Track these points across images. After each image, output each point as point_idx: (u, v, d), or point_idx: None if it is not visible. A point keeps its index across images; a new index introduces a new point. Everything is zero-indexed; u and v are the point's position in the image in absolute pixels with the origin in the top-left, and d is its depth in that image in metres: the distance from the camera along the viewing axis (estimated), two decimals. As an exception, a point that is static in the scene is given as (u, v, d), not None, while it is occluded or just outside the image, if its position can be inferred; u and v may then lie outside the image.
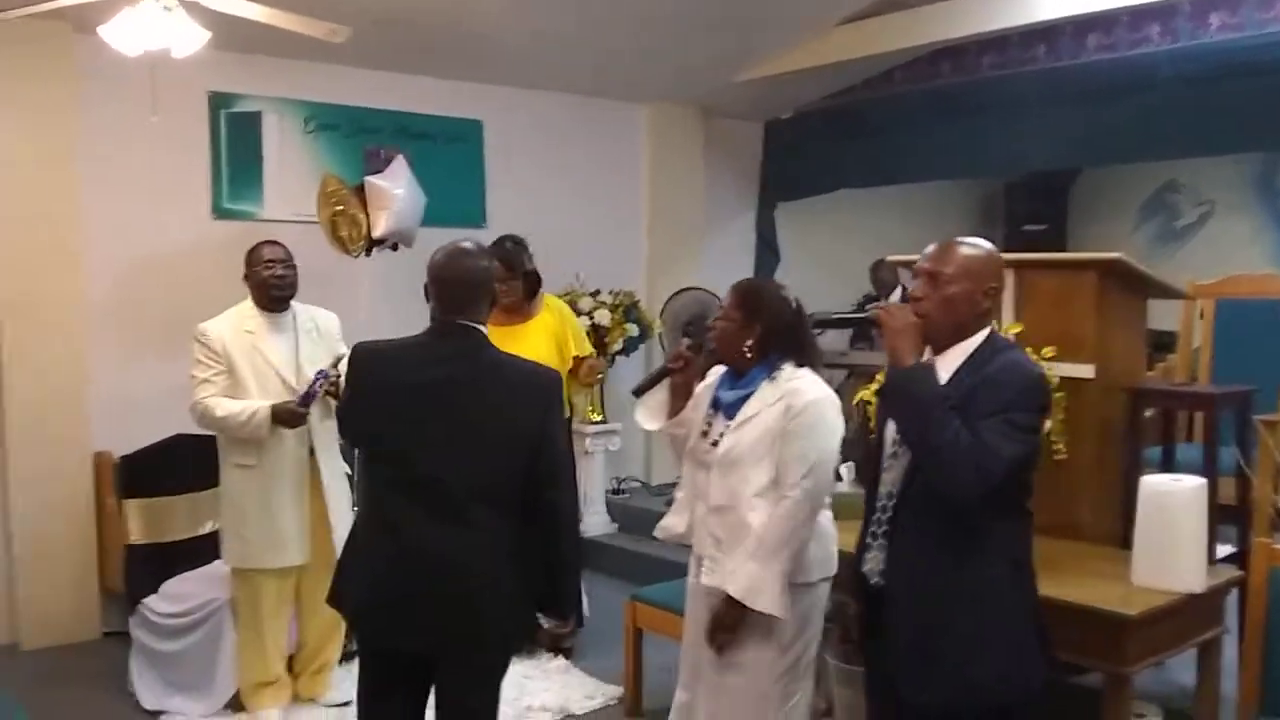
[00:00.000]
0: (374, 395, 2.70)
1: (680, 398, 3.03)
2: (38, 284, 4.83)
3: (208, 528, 4.65)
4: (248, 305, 3.96)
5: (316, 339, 3.99)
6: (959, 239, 2.47)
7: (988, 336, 2.42)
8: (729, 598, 2.78)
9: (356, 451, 3.02)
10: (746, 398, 2.86)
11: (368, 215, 5.21)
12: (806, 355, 2.90)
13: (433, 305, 2.73)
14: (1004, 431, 2.26)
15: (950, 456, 2.26)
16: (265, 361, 3.86)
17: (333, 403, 3.87)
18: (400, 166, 5.42)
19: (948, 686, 2.36)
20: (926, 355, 2.42)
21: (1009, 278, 3.63)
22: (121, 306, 5.10)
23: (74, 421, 4.92)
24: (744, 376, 2.90)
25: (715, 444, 2.89)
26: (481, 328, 2.72)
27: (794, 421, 2.78)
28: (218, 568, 4.22)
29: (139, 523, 4.77)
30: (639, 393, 3.11)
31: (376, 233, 5.22)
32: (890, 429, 2.51)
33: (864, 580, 2.56)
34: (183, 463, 4.69)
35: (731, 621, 2.81)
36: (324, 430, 3.93)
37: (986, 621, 2.35)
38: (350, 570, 2.77)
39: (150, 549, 4.71)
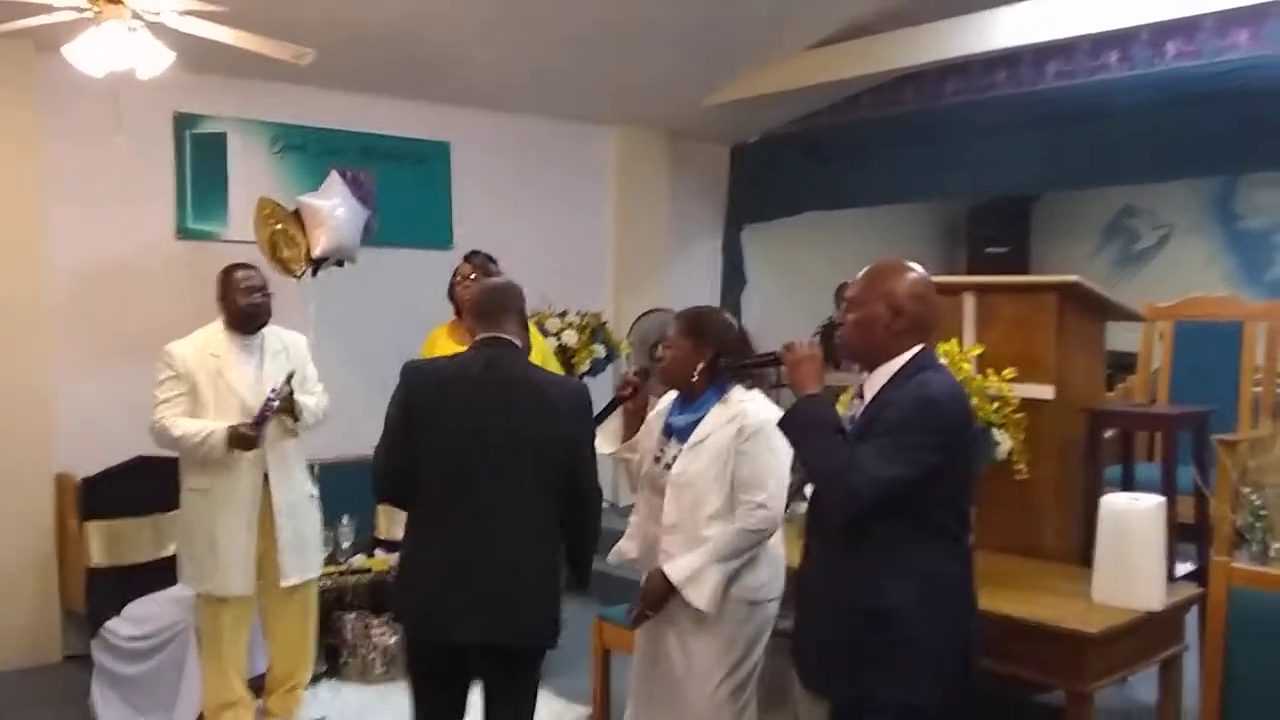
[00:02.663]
0: (434, 398, 2.89)
1: (632, 423, 3.12)
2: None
3: (171, 550, 4.59)
4: (217, 326, 3.94)
5: (285, 362, 3.97)
6: (884, 263, 2.52)
7: (913, 356, 2.44)
8: (663, 575, 2.85)
9: (385, 470, 2.96)
10: (698, 421, 2.93)
11: (305, 235, 5.18)
12: (752, 377, 2.97)
13: (473, 326, 3.01)
14: (884, 452, 2.30)
15: (826, 479, 2.37)
16: (227, 385, 3.84)
17: (289, 422, 3.86)
18: (334, 182, 5.39)
19: (837, 692, 2.46)
20: (864, 376, 2.50)
21: (969, 300, 3.68)
22: (84, 326, 5.05)
23: (35, 442, 4.87)
24: (695, 401, 2.97)
25: (669, 467, 2.96)
26: (515, 340, 2.98)
27: (747, 442, 2.85)
28: (181, 590, 4.18)
29: (101, 545, 4.70)
30: (598, 420, 3.13)
31: (316, 251, 5.19)
32: None
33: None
34: (145, 484, 4.64)
35: (656, 599, 2.88)
36: (281, 454, 3.90)
37: (873, 635, 2.37)
38: (409, 573, 2.94)
39: (112, 571, 4.66)
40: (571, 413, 2.92)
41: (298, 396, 3.88)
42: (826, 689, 2.50)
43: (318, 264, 5.25)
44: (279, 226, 5.12)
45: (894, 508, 2.31)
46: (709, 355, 2.93)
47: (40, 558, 4.87)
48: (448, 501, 2.85)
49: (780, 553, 3.02)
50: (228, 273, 3.96)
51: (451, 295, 4.53)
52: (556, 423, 2.88)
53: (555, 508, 2.89)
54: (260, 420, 3.74)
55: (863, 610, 2.38)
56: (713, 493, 2.87)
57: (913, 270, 2.49)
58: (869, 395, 2.44)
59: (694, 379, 2.95)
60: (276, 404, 3.76)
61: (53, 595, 4.89)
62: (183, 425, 3.77)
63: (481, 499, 2.82)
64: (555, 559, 2.95)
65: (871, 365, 2.48)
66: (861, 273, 2.53)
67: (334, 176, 5.43)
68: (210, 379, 3.83)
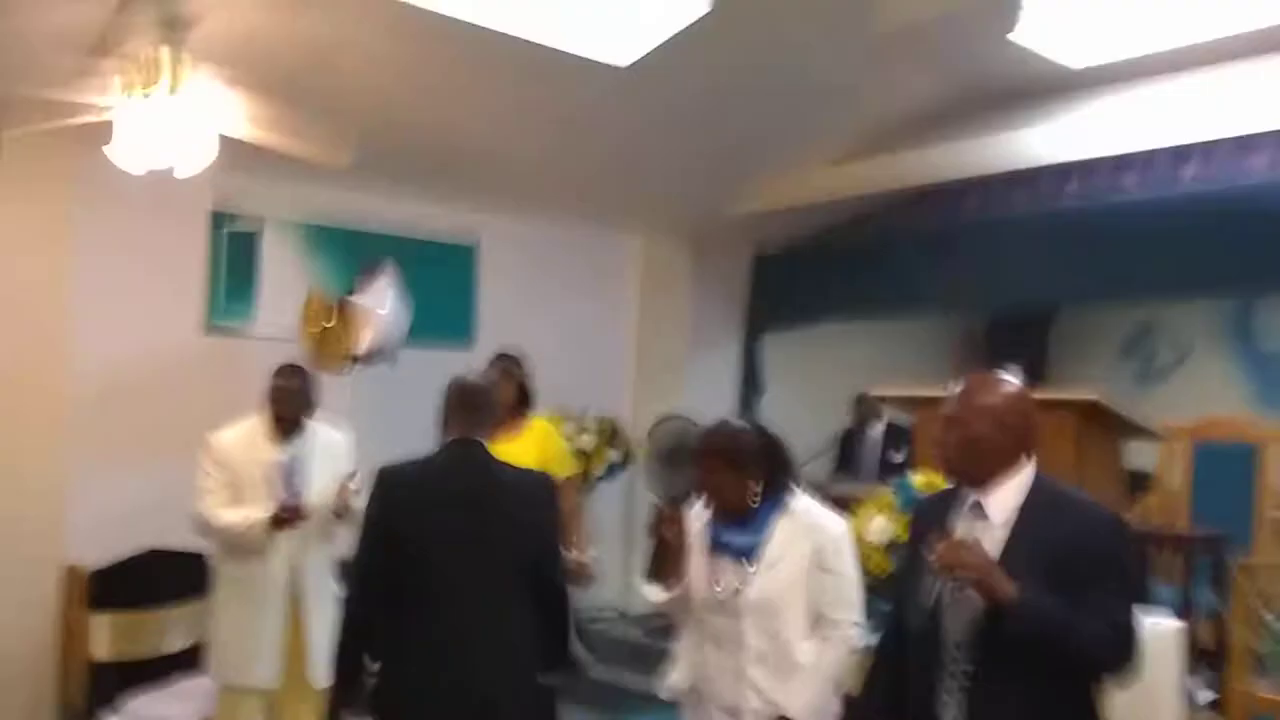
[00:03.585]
0: (410, 511, 2.98)
1: (678, 559, 2.88)
2: (19, 391, 4.82)
3: (176, 645, 4.57)
4: (257, 421, 3.97)
5: (326, 459, 3.98)
6: (981, 377, 2.46)
7: (1036, 476, 2.38)
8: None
9: (367, 569, 3.03)
10: (761, 539, 2.80)
11: (351, 333, 5.25)
12: (795, 478, 2.90)
13: (445, 424, 3.10)
14: (1121, 593, 2.25)
15: (1102, 652, 2.25)
16: (266, 477, 3.84)
17: (333, 522, 3.85)
18: (384, 284, 5.48)
19: None
20: (970, 497, 2.38)
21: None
22: (104, 416, 5.07)
23: (45, 533, 4.86)
24: (751, 518, 2.82)
25: (738, 591, 2.78)
26: (486, 441, 3.11)
27: (830, 558, 2.77)
28: (181, 687, 4.15)
29: (106, 637, 4.66)
30: (651, 576, 2.95)
31: (360, 350, 5.26)
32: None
33: None
34: (156, 577, 4.63)
35: None
36: (314, 551, 3.90)
37: None
38: (388, 690, 2.94)
39: (115, 666, 4.61)
40: (537, 502, 3.10)
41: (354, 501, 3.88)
42: None
43: (359, 362, 5.30)
44: (330, 324, 5.18)
45: None
46: (758, 475, 2.82)
47: (40, 649, 4.82)
48: (427, 600, 2.92)
49: None
50: (274, 373, 4.00)
51: None
52: (526, 514, 3.04)
53: (527, 601, 2.99)
54: (291, 504, 3.74)
55: None
56: (796, 611, 2.75)
57: (1015, 385, 2.45)
58: (998, 516, 2.34)
59: (753, 503, 2.82)
60: (297, 499, 3.76)
61: (49, 688, 4.82)
62: (225, 515, 3.79)
63: (461, 597, 2.92)
64: (536, 652, 3.01)
65: (977, 481, 2.38)
66: (960, 388, 2.44)
67: (384, 279, 5.52)
68: (250, 470, 3.85)
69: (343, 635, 3.11)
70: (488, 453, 3.11)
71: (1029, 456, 2.39)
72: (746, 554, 2.79)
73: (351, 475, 3.88)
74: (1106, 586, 2.22)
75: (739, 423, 3.00)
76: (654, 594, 2.91)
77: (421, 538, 2.95)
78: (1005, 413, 2.38)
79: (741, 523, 2.82)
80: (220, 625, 3.88)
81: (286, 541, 3.82)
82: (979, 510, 2.37)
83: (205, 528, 3.84)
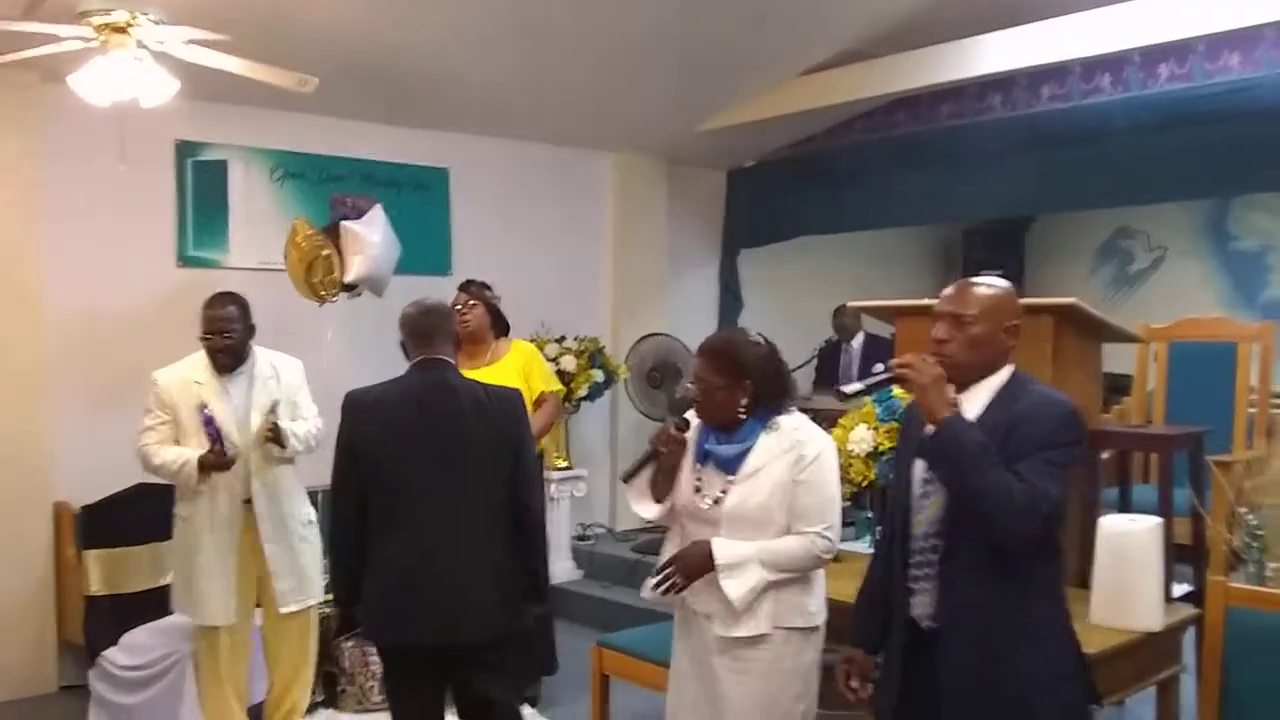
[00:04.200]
0: (374, 433, 3.07)
1: (670, 479, 2.90)
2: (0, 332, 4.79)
3: (169, 578, 4.59)
4: (202, 355, 3.93)
5: (275, 387, 3.95)
6: (975, 279, 2.50)
7: (1013, 373, 2.44)
8: (707, 551, 2.74)
9: (341, 492, 3.14)
10: (746, 451, 2.80)
11: (342, 260, 5.21)
12: (791, 395, 2.89)
13: (410, 348, 3.19)
14: (1044, 471, 2.28)
15: (1001, 505, 2.26)
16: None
17: (276, 450, 3.85)
18: (378, 214, 5.44)
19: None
20: (951, 394, 2.41)
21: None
22: (84, 353, 5.06)
23: (33, 471, 4.87)
24: (737, 430, 2.82)
25: (718, 500, 2.80)
26: (451, 360, 3.20)
27: (806, 471, 2.76)
28: (179, 619, 4.18)
29: (100, 573, 4.69)
30: (627, 479, 2.98)
31: (349, 278, 5.22)
32: (917, 470, 2.49)
33: (911, 625, 2.50)
34: (144, 513, 4.63)
35: (693, 569, 2.75)
36: (268, 481, 3.89)
37: (1043, 657, 2.37)
38: (368, 584, 3.09)
39: (111, 600, 4.64)
40: (505, 422, 3.17)
41: (285, 424, 3.86)
42: (987, 715, 2.39)
43: (348, 290, 5.28)
44: (324, 254, 5.14)
45: None
46: (749, 388, 2.80)
47: (38, 587, 4.88)
48: (399, 517, 3.06)
49: (823, 578, 2.91)
50: (203, 307, 3.92)
51: None
52: (492, 433, 3.13)
53: (502, 515, 3.13)
54: (216, 439, 3.73)
55: (1031, 630, 2.36)
56: (773, 525, 2.77)
57: (1007, 285, 2.50)
58: (972, 412, 2.39)
59: (741, 415, 2.82)
60: (214, 426, 3.75)
61: (50, 625, 4.89)
62: (162, 453, 3.80)
63: (430, 514, 3.05)
64: (507, 561, 3.14)
65: (966, 383, 2.43)
66: (957, 289, 2.47)
67: (378, 209, 5.49)
68: (192, 407, 3.83)
69: (332, 557, 3.32)
70: (455, 371, 3.21)
71: (1012, 356, 2.46)
72: (730, 465, 2.81)
73: (272, 407, 3.85)
74: (1034, 461, 2.28)
75: (747, 333, 2.96)
76: (644, 509, 2.94)
77: (393, 458, 3.06)
78: (1006, 312, 2.44)
79: (729, 434, 2.83)
80: (180, 565, 3.92)
81: (229, 479, 3.81)
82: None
83: (146, 464, 3.86)
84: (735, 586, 2.71)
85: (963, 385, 2.43)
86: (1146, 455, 4.58)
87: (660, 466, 2.90)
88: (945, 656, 2.42)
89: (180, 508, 3.90)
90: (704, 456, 2.86)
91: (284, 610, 3.89)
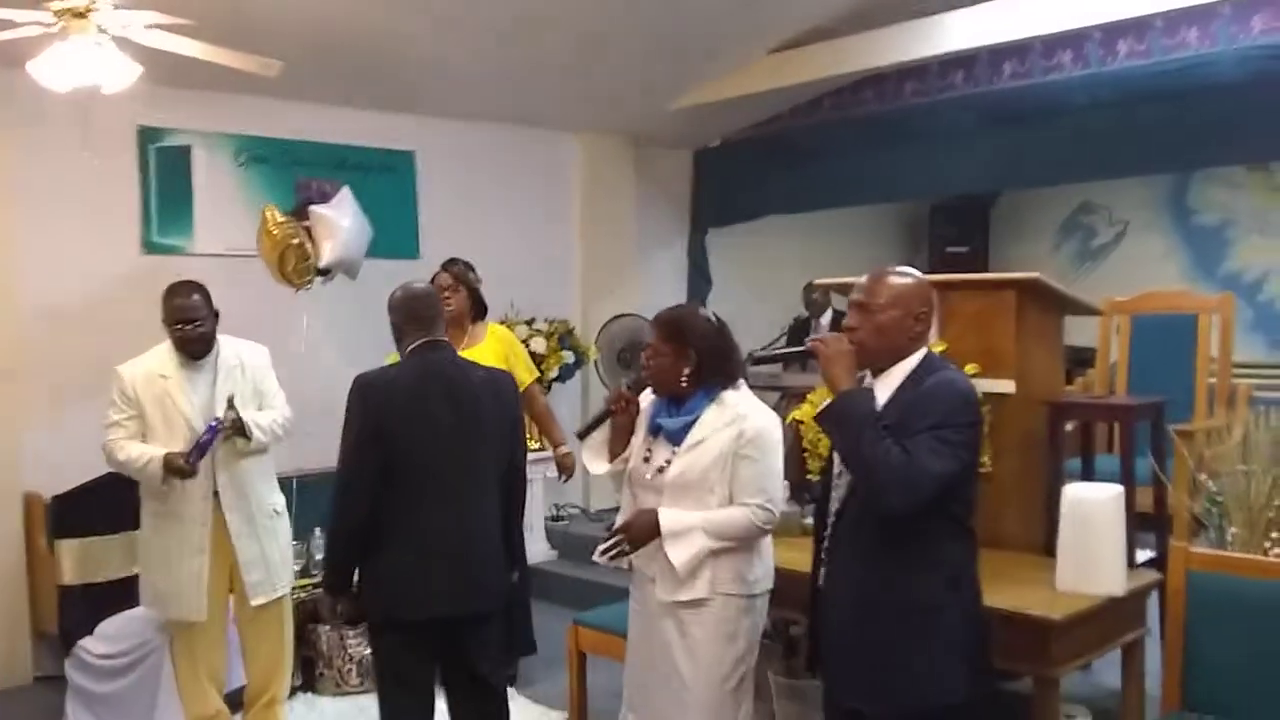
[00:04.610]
0: (399, 414, 3.14)
1: (622, 439, 3.09)
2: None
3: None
4: (166, 347, 3.84)
5: (240, 378, 3.87)
6: (888, 269, 2.60)
7: (924, 357, 2.53)
8: (654, 519, 2.88)
9: (358, 471, 3.15)
10: (692, 423, 2.93)
11: (315, 245, 5.18)
12: (737, 372, 3.00)
13: (402, 333, 3.26)
14: (932, 448, 2.36)
15: (881, 474, 2.37)
16: (175, 408, 3.75)
17: (240, 443, 3.76)
18: (346, 197, 5.42)
19: (873, 693, 2.48)
20: (866, 379, 2.54)
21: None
22: (50, 342, 5.01)
23: (2, 461, 4.84)
24: (684, 403, 2.97)
25: (662, 470, 2.95)
26: (449, 342, 3.35)
27: (748, 445, 2.89)
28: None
29: (72, 563, 4.68)
30: (583, 435, 3.17)
31: (322, 262, 5.20)
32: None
33: (820, 595, 2.66)
34: (116, 502, 4.58)
35: (640, 537, 2.91)
36: (234, 473, 3.81)
37: (915, 633, 2.44)
38: (386, 567, 3.16)
39: (84, 589, 4.64)
40: (508, 397, 3.38)
41: (248, 415, 3.77)
42: (861, 695, 2.52)
43: (322, 274, 5.25)
44: (295, 241, 5.10)
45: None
46: (693, 359, 2.93)
47: (9, 578, 4.84)
48: (419, 499, 3.14)
49: (771, 548, 3.05)
50: (165, 298, 3.82)
51: None
52: (499, 409, 3.29)
53: (500, 486, 3.30)
54: (199, 451, 3.63)
55: (903, 609, 2.44)
56: (713, 495, 2.89)
57: (919, 275, 2.60)
58: (883, 395, 2.49)
59: (683, 384, 2.95)
60: (213, 437, 3.65)
61: (23, 616, 4.86)
62: (127, 449, 3.71)
63: (449, 490, 3.17)
64: (502, 537, 3.33)
65: (884, 367, 2.54)
66: (869, 279, 2.58)
67: (345, 191, 5.47)
68: (158, 401, 3.75)
69: (337, 534, 3.26)
70: (455, 353, 3.36)
71: (924, 342, 2.55)
72: (676, 436, 2.95)
73: (229, 401, 3.73)
74: (923, 437, 2.37)
75: (693, 307, 3.14)
76: (595, 465, 3.13)
77: (419, 437, 3.15)
78: (912, 300, 2.54)
79: (679, 406, 2.97)
80: (147, 561, 3.86)
81: (199, 474, 3.71)
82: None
83: (111, 460, 3.77)
84: (679, 554, 2.86)
85: (877, 370, 2.55)
86: (1110, 425, 4.65)
87: (614, 425, 3.09)
88: (832, 622, 2.58)
89: (147, 504, 3.81)
90: (655, 429, 3.02)
91: (255, 603, 3.84)
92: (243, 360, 3.92)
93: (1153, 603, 3.40)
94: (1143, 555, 3.76)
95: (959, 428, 2.42)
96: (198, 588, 3.76)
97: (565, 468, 4.81)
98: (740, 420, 2.90)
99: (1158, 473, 3.80)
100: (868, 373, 2.57)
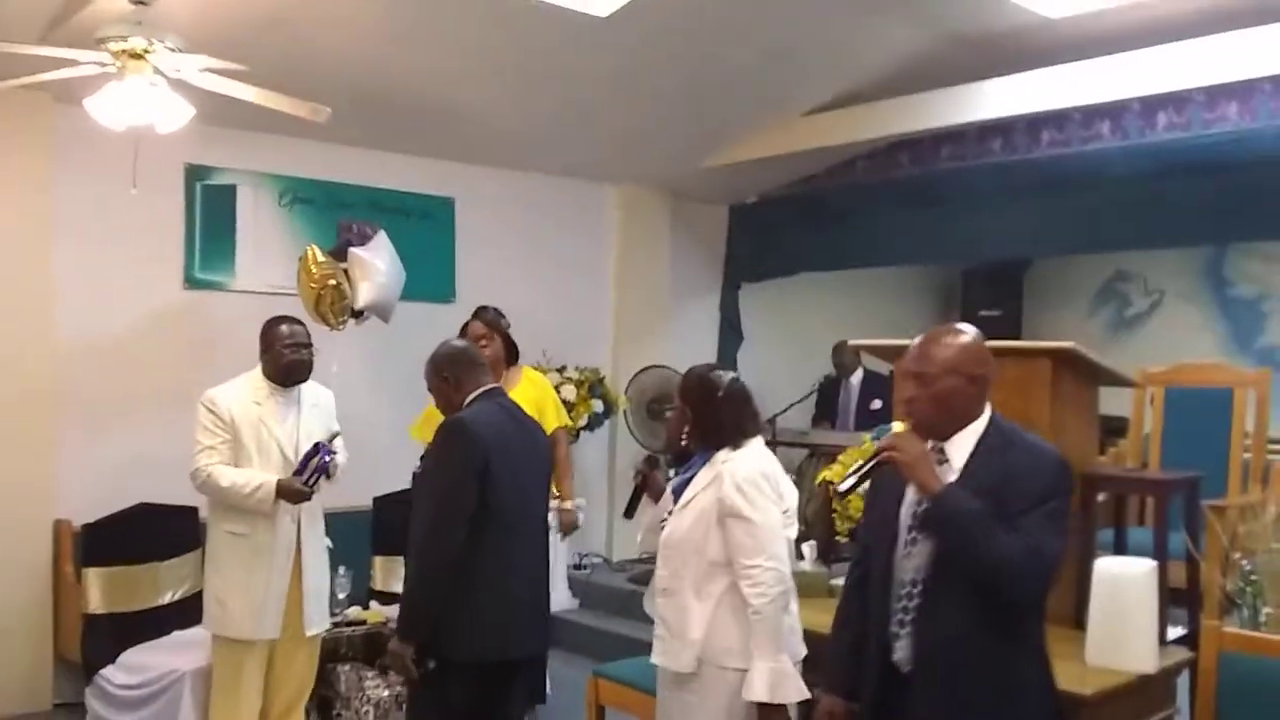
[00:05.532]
0: (499, 456, 3.19)
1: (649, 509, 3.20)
2: (6, 350, 4.82)
3: (168, 598, 4.62)
4: (257, 375, 3.95)
5: (317, 415, 4.01)
6: (940, 331, 2.51)
7: (990, 420, 2.46)
8: (761, 706, 2.77)
9: (461, 511, 3.13)
10: (688, 482, 2.96)
11: (351, 285, 5.25)
12: (734, 434, 2.94)
13: (464, 381, 3.31)
14: (1046, 527, 2.29)
15: (1009, 571, 2.28)
16: (270, 434, 3.87)
17: (323, 482, 3.86)
18: (382, 241, 5.49)
19: None
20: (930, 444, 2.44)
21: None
22: (88, 372, 5.08)
23: (35, 489, 4.88)
24: (688, 462, 3.01)
25: (662, 527, 3.02)
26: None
27: (728, 503, 2.82)
28: (178, 638, 4.20)
29: (99, 592, 4.70)
30: (629, 514, 3.28)
31: (358, 304, 5.26)
32: (904, 512, 2.48)
33: (892, 669, 2.49)
34: (145, 532, 4.66)
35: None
36: (311, 506, 3.94)
37: (1018, 713, 2.38)
38: (482, 604, 3.14)
39: (110, 619, 4.66)
40: (545, 443, 3.58)
41: (340, 458, 3.95)
42: None
43: (356, 316, 5.31)
44: (333, 282, 5.17)
45: None
46: (693, 417, 2.96)
47: (35, 604, 4.88)
48: (509, 540, 3.22)
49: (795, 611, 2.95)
50: (272, 325, 3.96)
51: None
52: (547, 448, 3.55)
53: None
54: (314, 474, 3.79)
55: (999, 689, 2.36)
56: (698, 555, 2.85)
57: (972, 333, 2.51)
58: (958, 462, 2.42)
59: (682, 442, 2.98)
60: (327, 463, 3.81)
61: (46, 642, 4.88)
62: (231, 475, 3.79)
63: (525, 531, 3.28)
64: None
65: (944, 435, 2.45)
66: (920, 346, 2.49)
67: (382, 235, 5.53)
68: (253, 427, 3.86)
69: (427, 578, 3.11)
70: (511, 399, 3.51)
71: (985, 403, 2.48)
72: (677, 496, 2.99)
73: (334, 435, 3.90)
74: (1036, 517, 2.30)
75: (715, 369, 3.11)
76: (641, 538, 3.25)
77: (501, 476, 3.20)
78: (968, 364, 2.45)
79: (687, 465, 3.01)
80: (223, 581, 3.87)
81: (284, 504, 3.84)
82: (940, 455, 2.45)
83: (207, 485, 3.82)
84: (794, 690, 2.79)
85: (943, 437, 2.46)
86: (1142, 498, 4.61)
87: (649, 494, 3.17)
88: (920, 702, 2.43)
89: (232, 525, 3.85)
90: (675, 490, 3.05)
91: (310, 633, 3.95)
92: (319, 399, 4.06)
93: (1183, 682, 3.35)
94: (1174, 632, 3.70)
95: (1062, 497, 2.36)
96: (279, 609, 3.85)
97: (565, 525, 4.79)
98: (721, 479, 2.85)
99: (1191, 550, 3.75)
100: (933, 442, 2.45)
